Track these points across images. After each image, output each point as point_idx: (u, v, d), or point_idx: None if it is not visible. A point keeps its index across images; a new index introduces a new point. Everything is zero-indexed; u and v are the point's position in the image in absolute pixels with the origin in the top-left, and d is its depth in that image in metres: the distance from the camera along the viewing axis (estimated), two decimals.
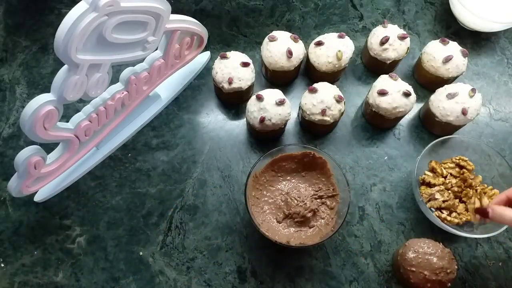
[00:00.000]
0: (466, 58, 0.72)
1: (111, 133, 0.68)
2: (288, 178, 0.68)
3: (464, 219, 0.64)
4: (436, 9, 0.85)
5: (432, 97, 0.70)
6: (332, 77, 0.74)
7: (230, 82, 0.68)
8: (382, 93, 0.68)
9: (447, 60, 0.71)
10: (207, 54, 0.78)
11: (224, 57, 0.70)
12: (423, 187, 0.67)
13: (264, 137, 0.72)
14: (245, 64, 0.69)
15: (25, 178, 0.57)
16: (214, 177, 0.70)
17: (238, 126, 0.74)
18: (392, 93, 0.67)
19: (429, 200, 0.66)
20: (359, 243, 0.67)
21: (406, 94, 0.67)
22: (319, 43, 0.72)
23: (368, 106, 0.71)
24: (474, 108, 0.68)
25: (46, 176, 0.61)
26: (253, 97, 0.67)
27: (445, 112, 0.68)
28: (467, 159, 0.68)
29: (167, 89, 0.74)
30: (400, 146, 0.74)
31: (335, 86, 0.69)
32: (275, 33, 0.72)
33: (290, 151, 0.66)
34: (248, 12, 0.83)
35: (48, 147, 0.60)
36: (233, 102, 0.75)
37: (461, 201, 0.66)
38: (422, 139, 0.74)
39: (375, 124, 0.74)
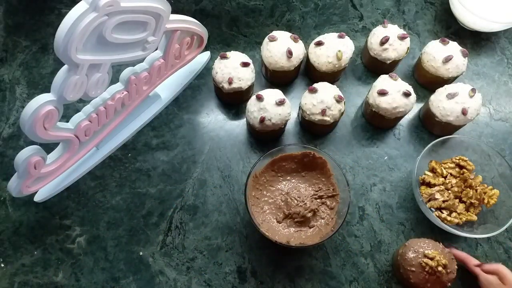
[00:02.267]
0: (466, 58, 0.72)
1: (111, 133, 0.68)
2: (288, 178, 0.68)
3: (464, 219, 0.64)
4: (436, 9, 0.85)
5: (432, 97, 0.70)
6: (332, 77, 0.74)
7: (230, 82, 0.68)
8: (382, 93, 0.68)
9: (447, 60, 0.71)
10: (207, 54, 0.78)
11: (224, 57, 0.70)
12: (423, 187, 0.67)
13: (264, 137, 0.72)
14: (245, 64, 0.69)
15: (25, 178, 0.57)
16: (214, 177, 0.70)
17: (238, 126, 0.74)
18: (392, 93, 0.67)
19: (429, 200, 0.66)
20: (359, 243, 0.67)
21: (406, 94, 0.67)
22: (319, 43, 0.72)
23: (368, 106, 0.71)
24: (474, 108, 0.68)
25: (46, 176, 0.61)
26: (253, 97, 0.67)
27: (445, 112, 0.68)
28: (467, 159, 0.68)
29: (167, 89, 0.74)
30: (400, 146, 0.74)
31: (335, 86, 0.69)
32: (275, 33, 0.72)
33: (290, 151, 0.66)
34: (248, 12, 0.83)
35: (48, 147, 0.60)
36: (233, 102, 0.75)
37: (461, 201, 0.66)
38: (422, 139, 0.74)
39: (375, 124, 0.74)
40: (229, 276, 0.65)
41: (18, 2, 0.83)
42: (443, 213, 0.65)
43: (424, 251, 0.60)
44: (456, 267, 0.60)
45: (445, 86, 0.70)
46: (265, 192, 0.66)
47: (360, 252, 0.66)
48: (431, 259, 0.59)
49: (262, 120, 0.66)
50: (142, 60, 0.62)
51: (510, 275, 0.57)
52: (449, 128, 0.70)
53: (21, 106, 0.75)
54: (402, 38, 0.72)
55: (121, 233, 0.67)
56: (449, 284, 0.60)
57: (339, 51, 0.70)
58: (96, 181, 0.70)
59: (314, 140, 0.74)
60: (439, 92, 0.70)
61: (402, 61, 0.77)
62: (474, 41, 0.82)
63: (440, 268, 0.58)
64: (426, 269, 0.59)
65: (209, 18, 0.82)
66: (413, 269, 0.59)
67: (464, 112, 0.67)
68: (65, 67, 0.50)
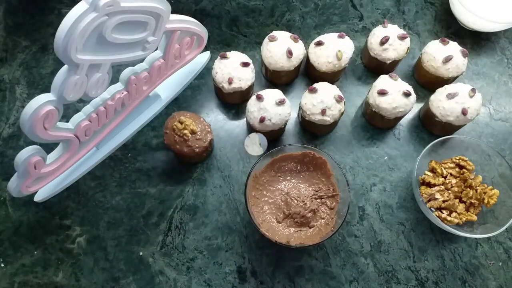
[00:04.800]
0: (466, 58, 0.72)
1: (111, 133, 0.68)
2: (288, 178, 0.68)
3: (464, 219, 0.64)
4: (436, 9, 0.85)
5: (432, 97, 0.70)
6: (332, 77, 0.74)
7: (230, 82, 0.68)
8: (382, 93, 0.68)
9: (447, 60, 0.71)
10: (207, 54, 0.78)
11: (224, 57, 0.70)
12: (423, 187, 0.67)
13: None
14: (245, 64, 0.69)
15: (25, 178, 0.57)
16: (214, 177, 0.70)
17: (238, 126, 0.74)
18: (392, 93, 0.67)
19: (429, 200, 0.66)
20: (359, 243, 0.67)
21: (406, 94, 0.67)
22: (319, 43, 0.72)
23: (368, 106, 0.71)
24: (474, 108, 0.68)
25: (46, 176, 0.61)
26: (253, 97, 0.67)
27: (445, 112, 0.68)
28: (467, 159, 0.68)
29: (167, 89, 0.74)
30: (400, 146, 0.74)
31: (335, 86, 0.69)
32: (275, 33, 0.72)
33: (290, 151, 0.66)
34: (248, 12, 0.83)
35: (48, 147, 0.60)
36: (233, 102, 0.75)
37: (461, 201, 0.66)
38: (422, 139, 0.74)
39: (375, 124, 0.74)
40: (229, 276, 0.65)
41: (18, 2, 0.83)
42: (443, 213, 0.65)
43: (180, 117, 0.65)
44: (210, 137, 0.65)
45: (445, 86, 0.70)
46: (265, 192, 0.66)
47: (360, 252, 0.66)
48: (181, 123, 0.64)
49: (262, 120, 0.66)
50: (142, 60, 0.62)
51: None
52: (449, 128, 0.70)
53: (21, 106, 0.75)
54: (402, 38, 0.72)
55: (121, 233, 0.67)
56: (198, 149, 0.64)
57: (339, 51, 0.70)
58: (96, 181, 0.70)
59: (314, 140, 0.74)
60: (439, 92, 0.70)
61: (402, 61, 0.77)
62: (474, 41, 0.82)
63: (186, 131, 0.63)
64: (175, 131, 0.64)
65: (209, 18, 0.82)
66: (167, 131, 0.65)
67: (464, 112, 0.67)
68: (65, 67, 0.50)
